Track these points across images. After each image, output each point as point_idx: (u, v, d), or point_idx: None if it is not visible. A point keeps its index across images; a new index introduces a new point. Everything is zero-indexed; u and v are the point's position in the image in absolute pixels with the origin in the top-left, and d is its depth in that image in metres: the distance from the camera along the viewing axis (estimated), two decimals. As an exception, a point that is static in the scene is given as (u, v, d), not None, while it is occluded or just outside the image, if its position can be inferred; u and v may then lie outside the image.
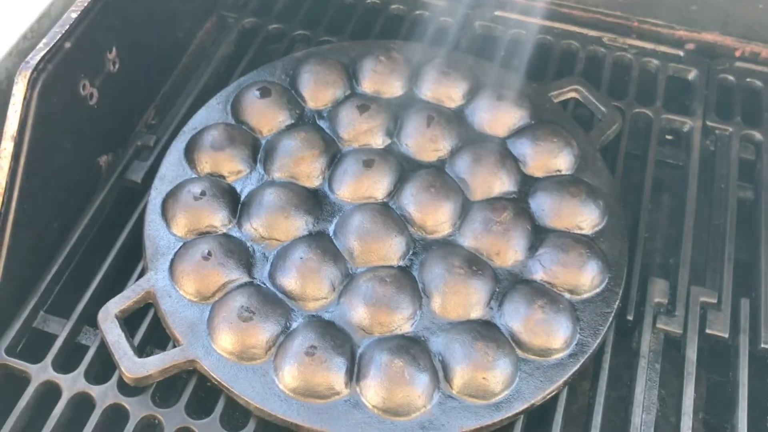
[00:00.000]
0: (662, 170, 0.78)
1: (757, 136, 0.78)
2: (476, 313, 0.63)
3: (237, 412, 0.59)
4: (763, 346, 0.64)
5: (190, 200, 0.67)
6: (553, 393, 0.60)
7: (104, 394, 0.59)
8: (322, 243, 0.66)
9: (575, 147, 0.73)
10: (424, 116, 0.74)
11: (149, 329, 0.63)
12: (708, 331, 0.65)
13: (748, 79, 0.82)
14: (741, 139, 0.78)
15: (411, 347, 0.60)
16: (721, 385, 0.65)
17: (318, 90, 0.77)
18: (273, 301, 0.62)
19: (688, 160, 0.76)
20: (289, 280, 0.63)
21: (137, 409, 0.59)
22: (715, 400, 0.66)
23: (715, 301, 0.66)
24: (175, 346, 0.61)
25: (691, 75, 0.83)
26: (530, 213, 0.69)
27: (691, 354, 0.63)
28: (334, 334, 0.60)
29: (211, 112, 0.76)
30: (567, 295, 0.64)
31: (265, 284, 0.64)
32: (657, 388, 0.62)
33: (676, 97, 0.82)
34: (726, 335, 0.64)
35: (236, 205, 0.68)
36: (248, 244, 0.66)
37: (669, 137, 0.81)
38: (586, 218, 0.68)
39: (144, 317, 0.64)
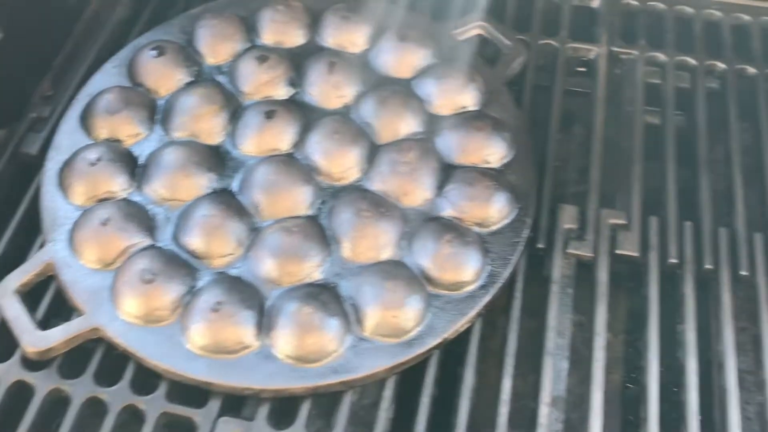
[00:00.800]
0: (571, 99, 0.78)
1: (661, 57, 0.78)
2: (386, 254, 0.62)
3: (147, 377, 0.58)
4: (670, 261, 0.64)
5: (86, 167, 0.65)
6: (466, 326, 0.60)
7: (6, 372, 0.58)
8: (225, 199, 0.64)
9: (480, 82, 0.72)
10: (325, 63, 0.72)
11: (53, 303, 0.61)
12: (618, 251, 0.65)
13: (651, 2, 0.82)
14: (646, 61, 0.78)
15: (320, 294, 0.59)
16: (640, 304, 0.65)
17: (216, 45, 0.75)
18: (177, 262, 0.61)
19: (595, 87, 0.76)
20: (193, 239, 0.62)
21: (43, 383, 0.57)
22: (636, 319, 0.67)
23: (624, 222, 0.66)
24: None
25: (595, 2, 0.83)
26: (437, 151, 0.68)
27: (602, 275, 0.63)
28: (241, 289, 0.59)
29: (107, 77, 0.73)
30: (476, 229, 0.64)
31: (168, 246, 0.62)
32: (570, 313, 0.62)
33: (582, 26, 0.82)
34: (636, 254, 0.65)
35: (135, 168, 0.67)
36: (149, 207, 0.64)
37: (580, 69, 0.81)
38: (492, 151, 0.68)
39: (47, 291, 0.62)
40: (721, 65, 0.77)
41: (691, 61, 0.78)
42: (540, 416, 0.57)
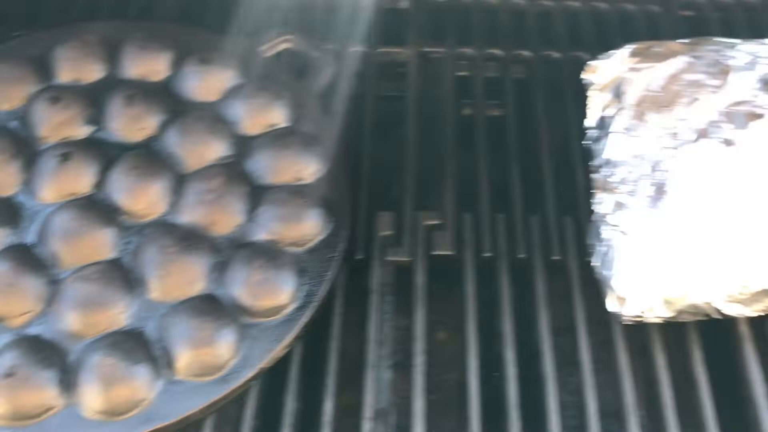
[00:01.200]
0: (387, 104, 0.77)
1: (470, 51, 0.79)
2: (196, 289, 0.60)
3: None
4: (485, 254, 0.65)
5: None
6: (284, 351, 0.58)
7: None
8: (17, 254, 0.60)
9: (287, 98, 0.71)
10: (123, 96, 0.69)
11: None
12: (434, 252, 0.65)
13: (456, -1, 0.84)
14: (455, 58, 0.79)
15: (125, 341, 0.57)
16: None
17: (6, 90, 0.70)
18: (-32, 328, 0.57)
19: (407, 90, 0.77)
20: (-14, 301, 0.58)
21: None
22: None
23: (439, 222, 0.67)
24: None
25: (403, 3, 0.83)
26: (247, 174, 0.67)
27: (419, 277, 0.63)
28: (39, 348, 0.56)
29: None
30: (292, 249, 0.63)
31: (-38, 311, 0.58)
32: (390, 321, 0.62)
33: (393, 29, 0.82)
34: (452, 252, 0.65)
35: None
36: (-61, 269, 0.60)
37: (391, 73, 0.81)
38: (303, 167, 0.67)
39: None
40: (526, 53, 0.79)
41: (498, 52, 0.79)
42: (363, 432, 0.56)
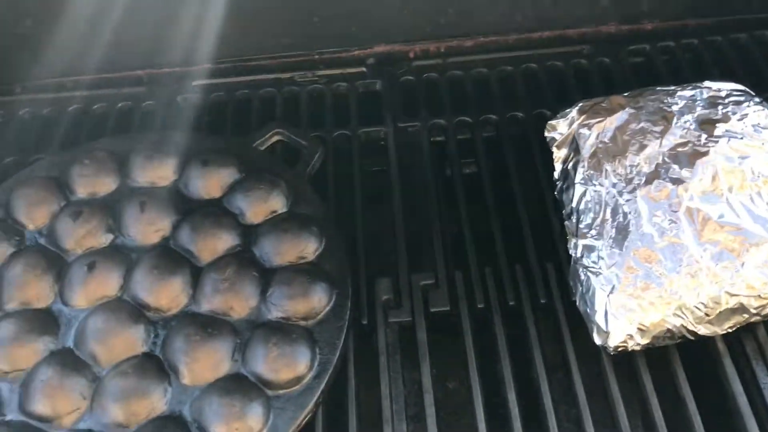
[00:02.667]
0: (372, 179, 0.85)
1: (442, 122, 0.87)
2: (223, 370, 0.67)
3: None
4: (479, 306, 0.72)
5: None
6: (308, 417, 0.65)
7: None
8: (62, 358, 0.67)
9: (283, 186, 0.79)
10: (135, 203, 0.77)
11: None
12: (432, 309, 0.72)
13: (425, 75, 0.92)
14: (429, 129, 0.87)
15: (165, 427, 0.63)
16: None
17: (32, 211, 0.78)
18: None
19: (389, 164, 0.84)
20: (38, 406, 0.65)
21: None
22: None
23: (433, 281, 0.74)
24: None
25: (378, 85, 0.92)
26: (256, 259, 0.74)
27: (422, 335, 0.70)
28: (91, 443, 0.63)
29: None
30: (303, 323, 0.69)
31: (17, 418, 0.65)
32: (400, 378, 0.68)
33: (371, 110, 0.90)
34: (448, 307, 0.72)
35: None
36: (-6, 382, 0.67)
37: (380, 145, 0.89)
38: (304, 247, 0.74)
39: None
40: (493, 116, 0.87)
41: (468, 119, 0.87)
42: (387, 483, 0.62)
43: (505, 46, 0.94)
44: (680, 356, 0.67)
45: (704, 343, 0.67)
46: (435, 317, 0.72)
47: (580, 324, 0.68)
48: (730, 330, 0.65)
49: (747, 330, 0.67)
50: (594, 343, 0.66)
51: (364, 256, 0.76)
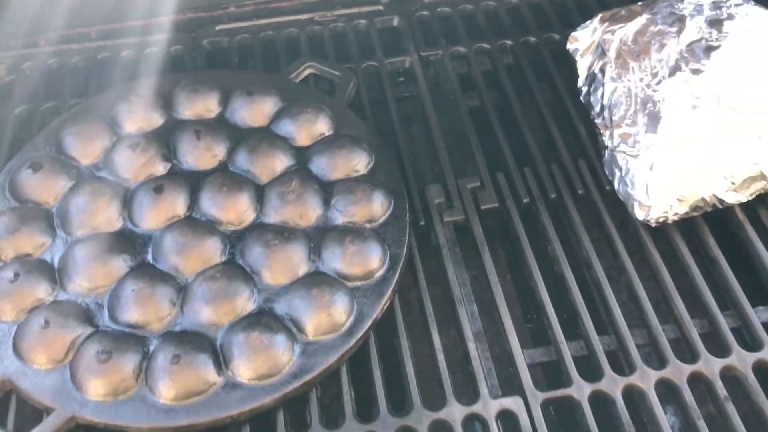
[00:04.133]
0: (403, 105, 0.91)
1: (462, 49, 0.94)
2: (303, 270, 0.71)
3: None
4: (524, 201, 0.79)
5: (7, 285, 0.69)
6: (387, 303, 0.70)
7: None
8: (146, 270, 0.71)
9: (327, 110, 0.84)
10: (191, 132, 0.81)
11: (18, 414, 0.65)
12: (482, 207, 0.78)
13: (438, 10, 0.98)
14: (451, 56, 0.93)
15: (260, 319, 0.67)
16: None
17: (85, 147, 0.81)
18: (124, 337, 0.67)
19: (418, 89, 0.90)
20: (131, 314, 0.68)
21: (35, 484, 0.61)
22: (513, 260, 0.80)
23: (479, 184, 0.80)
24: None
25: (395, 21, 0.97)
26: (314, 175, 0.79)
27: (477, 229, 0.76)
28: (190, 339, 0.66)
29: (-9, 205, 0.77)
30: (368, 226, 0.75)
31: (110, 328, 0.68)
32: (463, 268, 0.75)
33: (393, 43, 0.96)
34: (497, 204, 0.79)
35: (53, 273, 0.71)
36: (79, 300, 0.70)
37: (400, 79, 0.95)
38: (358, 161, 0.79)
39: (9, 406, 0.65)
40: (509, 42, 0.94)
41: (486, 45, 0.94)
42: (470, 351, 0.68)
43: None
44: (707, 227, 0.75)
45: (726, 215, 0.76)
46: (485, 215, 0.78)
47: (617, 209, 0.76)
48: (751, 197, 0.74)
49: (760, 202, 0.76)
50: (633, 222, 0.74)
51: (411, 168, 0.82)
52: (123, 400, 0.64)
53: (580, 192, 0.79)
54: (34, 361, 0.65)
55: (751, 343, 0.68)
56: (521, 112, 0.87)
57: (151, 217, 0.75)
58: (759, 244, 0.74)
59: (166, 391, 0.63)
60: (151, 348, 0.66)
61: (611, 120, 0.76)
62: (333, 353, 0.67)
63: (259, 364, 0.65)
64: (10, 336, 0.67)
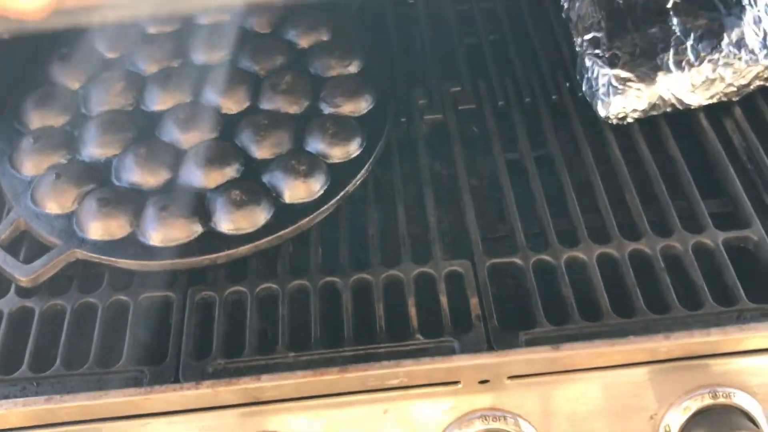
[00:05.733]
0: (400, 8, 0.98)
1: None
2: (287, 148, 0.79)
3: (122, 276, 0.72)
4: (500, 103, 0.85)
5: (29, 146, 0.80)
6: (360, 180, 0.77)
7: (7, 303, 0.70)
8: (150, 140, 0.80)
9: (327, 17, 0.91)
10: (200, 31, 0.90)
11: (29, 250, 0.75)
12: (460, 107, 0.85)
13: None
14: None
15: (244, 183, 0.76)
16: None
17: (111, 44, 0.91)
18: (123, 190, 0.76)
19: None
20: (132, 174, 0.77)
21: (39, 303, 0.70)
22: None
23: (459, 88, 0.86)
24: (55, 251, 0.73)
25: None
26: (309, 71, 0.87)
27: (452, 126, 0.83)
28: (180, 193, 0.75)
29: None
30: (352, 116, 0.82)
31: (114, 184, 0.77)
32: (436, 157, 0.81)
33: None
34: (474, 106, 0.85)
35: (72, 141, 0.81)
36: (91, 161, 0.79)
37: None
38: (348, 62, 0.87)
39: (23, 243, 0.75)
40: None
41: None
42: (430, 223, 0.74)
43: None
44: (670, 130, 0.79)
45: (689, 121, 0.80)
46: (462, 114, 0.85)
47: (587, 114, 0.81)
48: (711, 101, 0.78)
49: (725, 108, 0.80)
50: (600, 124, 0.79)
51: (400, 69, 0.89)
52: (117, 240, 0.73)
53: (554, 97, 0.84)
54: (46, 207, 0.75)
55: (695, 229, 0.72)
56: (510, 28, 0.93)
57: (161, 99, 0.84)
58: (716, 144, 0.78)
59: (154, 234, 0.72)
60: (146, 201, 0.75)
61: (581, 27, 0.81)
62: (305, 215, 0.74)
63: (238, 217, 0.73)
64: (30, 187, 0.77)
